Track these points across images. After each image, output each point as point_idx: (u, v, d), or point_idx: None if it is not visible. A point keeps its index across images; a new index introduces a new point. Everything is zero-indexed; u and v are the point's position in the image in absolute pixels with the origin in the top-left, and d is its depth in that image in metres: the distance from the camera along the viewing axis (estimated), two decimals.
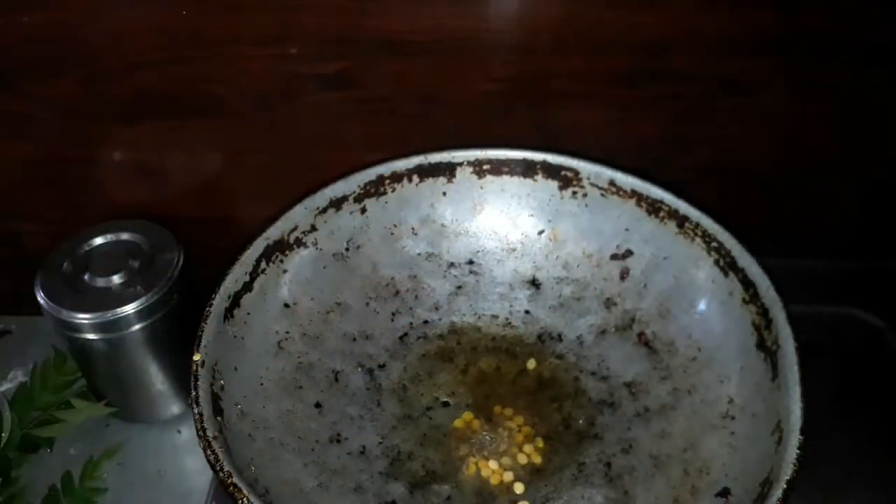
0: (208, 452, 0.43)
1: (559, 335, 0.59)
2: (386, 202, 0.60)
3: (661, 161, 0.64)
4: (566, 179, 0.59)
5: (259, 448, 0.48)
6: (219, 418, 0.46)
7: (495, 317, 0.60)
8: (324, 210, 0.58)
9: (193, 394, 0.46)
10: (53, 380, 0.64)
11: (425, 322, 0.60)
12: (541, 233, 0.61)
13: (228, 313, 0.51)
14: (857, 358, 0.64)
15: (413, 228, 0.61)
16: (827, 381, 0.52)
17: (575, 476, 0.51)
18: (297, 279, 0.56)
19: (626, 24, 0.59)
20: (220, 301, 0.51)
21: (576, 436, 0.53)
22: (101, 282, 0.59)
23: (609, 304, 0.59)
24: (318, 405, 0.54)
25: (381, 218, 0.60)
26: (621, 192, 0.58)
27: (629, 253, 0.59)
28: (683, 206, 0.56)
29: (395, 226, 0.61)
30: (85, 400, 0.63)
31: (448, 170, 0.60)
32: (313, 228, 0.58)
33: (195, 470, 0.61)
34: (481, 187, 0.61)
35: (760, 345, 0.50)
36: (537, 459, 0.52)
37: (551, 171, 0.60)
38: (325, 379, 0.55)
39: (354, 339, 0.58)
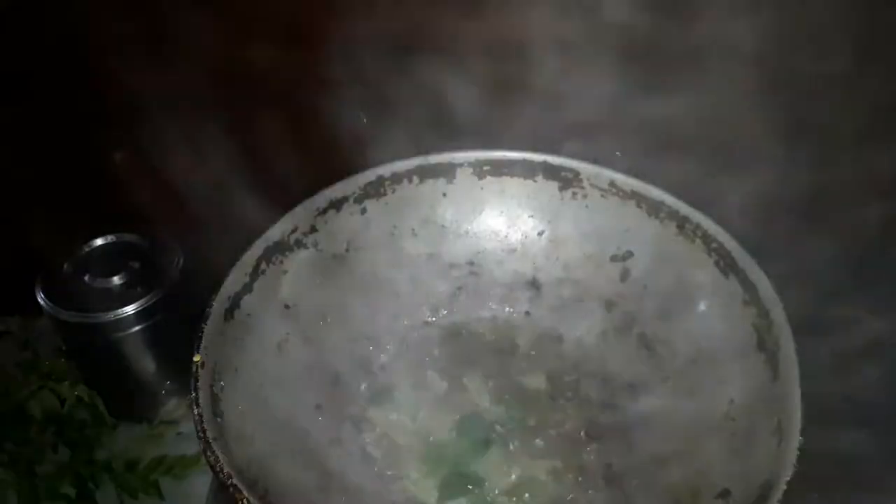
0: (208, 453, 0.43)
1: (559, 336, 0.59)
2: (386, 203, 0.60)
3: (662, 162, 0.64)
4: (566, 180, 0.59)
5: (259, 449, 0.48)
6: (219, 419, 0.46)
7: (495, 318, 0.60)
8: (324, 211, 0.58)
9: (193, 395, 0.46)
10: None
11: (426, 323, 0.60)
12: (541, 234, 0.61)
13: (228, 314, 0.51)
14: (858, 359, 0.64)
15: (413, 229, 0.61)
16: (827, 382, 0.52)
17: (575, 477, 0.51)
18: (297, 280, 0.56)
19: (626, 25, 0.59)
20: (220, 302, 0.51)
21: (576, 437, 0.53)
22: (101, 283, 0.59)
23: (609, 305, 0.59)
24: (318, 406, 0.53)
25: (382, 219, 0.60)
26: (621, 194, 0.58)
27: (629, 254, 0.59)
28: (684, 208, 0.56)
29: (395, 227, 0.61)
30: (83, 401, 0.63)
31: (448, 171, 0.60)
32: (313, 229, 0.58)
33: (195, 470, 0.61)
34: (481, 188, 0.61)
35: (760, 346, 0.50)
36: (537, 460, 0.52)
37: (551, 173, 0.60)
38: (325, 380, 0.55)
39: (355, 341, 0.58)
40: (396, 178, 0.60)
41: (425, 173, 0.60)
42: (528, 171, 0.60)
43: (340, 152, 0.63)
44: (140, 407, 0.64)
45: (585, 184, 0.59)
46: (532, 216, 0.61)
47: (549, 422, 0.54)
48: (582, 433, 0.53)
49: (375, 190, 0.59)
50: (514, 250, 0.62)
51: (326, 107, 0.64)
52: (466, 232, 0.62)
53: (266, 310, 0.54)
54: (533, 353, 0.58)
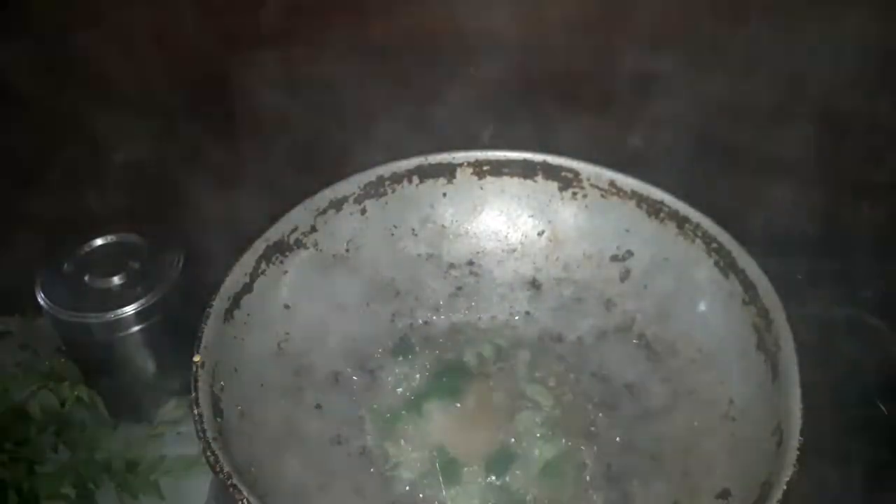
0: (208, 453, 0.43)
1: (559, 336, 0.59)
2: (386, 203, 0.60)
3: (661, 162, 0.65)
4: (566, 180, 0.59)
5: (259, 449, 0.48)
6: (219, 419, 0.46)
7: (495, 318, 0.60)
8: (324, 211, 0.58)
9: (193, 395, 0.46)
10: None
11: (426, 323, 0.60)
12: (541, 234, 0.61)
13: (228, 314, 0.51)
14: (858, 359, 0.64)
15: (413, 229, 0.61)
16: (827, 382, 0.52)
17: (575, 477, 0.51)
18: (297, 280, 0.56)
19: (627, 25, 0.59)
20: (220, 302, 0.51)
21: (576, 437, 0.53)
22: (101, 283, 0.59)
23: (609, 305, 0.59)
24: (318, 406, 0.54)
25: (382, 219, 0.60)
26: (621, 193, 0.58)
27: (629, 254, 0.59)
28: (683, 208, 0.56)
29: (395, 227, 0.61)
30: (83, 401, 0.63)
31: (448, 171, 0.60)
32: (313, 229, 0.58)
33: (195, 471, 0.61)
34: (481, 188, 0.61)
35: (760, 346, 0.50)
36: (537, 461, 0.52)
37: (551, 172, 0.60)
38: (325, 380, 0.55)
39: (355, 340, 0.58)
40: (396, 178, 0.60)
41: (425, 173, 0.60)
42: (528, 170, 0.60)
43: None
44: (140, 407, 0.64)
45: (585, 184, 0.59)
46: (532, 216, 0.61)
47: (549, 422, 0.54)
48: (582, 433, 0.53)
49: (375, 190, 0.59)
50: (514, 250, 0.62)
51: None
52: (466, 232, 0.62)
53: (266, 310, 0.54)
54: (533, 353, 0.58)
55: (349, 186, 0.59)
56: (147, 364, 0.61)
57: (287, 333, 0.55)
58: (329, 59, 0.61)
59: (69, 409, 0.63)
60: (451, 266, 0.62)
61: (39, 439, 0.62)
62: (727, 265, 0.53)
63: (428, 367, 0.57)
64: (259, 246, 0.54)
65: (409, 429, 0.54)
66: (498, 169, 0.60)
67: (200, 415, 0.45)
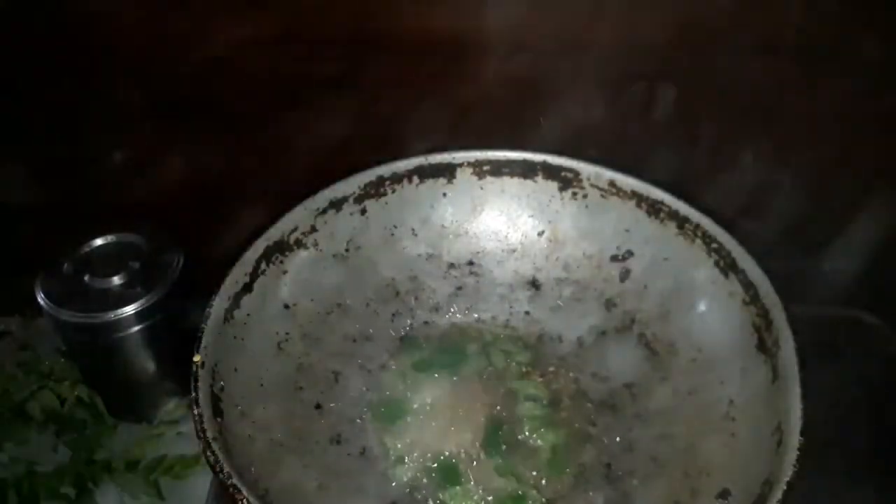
0: (208, 454, 0.43)
1: (559, 336, 0.59)
2: (386, 203, 0.60)
3: (661, 162, 0.65)
4: (566, 180, 0.59)
5: (259, 449, 0.48)
6: (219, 419, 0.46)
7: (495, 318, 0.60)
8: (324, 211, 0.58)
9: (193, 395, 0.46)
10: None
11: (425, 323, 0.60)
12: (541, 234, 0.61)
13: (228, 314, 0.51)
14: (858, 359, 0.64)
15: (413, 229, 0.61)
16: (827, 382, 0.52)
17: (575, 477, 0.51)
18: (297, 280, 0.56)
19: (626, 24, 0.59)
20: (220, 302, 0.51)
21: (576, 437, 0.53)
22: (101, 283, 0.59)
23: (609, 305, 0.59)
24: (318, 406, 0.54)
25: (382, 219, 0.60)
26: (621, 193, 0.58)
27: (629, 254, 0.59)
28: (683, 207, 0.56)
29: (395, 227, 0.61)
30: (83, 401, 0.63)
31: (448, 171, 0.60)
32: (313, 229, 0.58)
33: (195, 470, 0.61)
34: (481, 188, 0.61)
35: (760, 346, 0.50)
36: (537, 461, 0.52)
37: (551, 172, 0.60)
38: (325, 380, 0.55)
39: (354, 340, 0.58)
40: (396, 178, 0.60)
41: (425, 173, 0.60)
42: (528, 171, 0.60)
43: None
44: (140, 407, 0.64)
45: (585, 184, 0.59)
46: (532, 216, 0.61)
47: (548, 422, 0.54)
48: (582, 432, 0.53)
49: (375, 190, 0.59)
50: (514, 250, 0.62)
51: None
52: (466, 232, 0.62)
53: (266, 310, 0.54)
54: (533, 353, 0.58)
55: (349, 186, 0.59)
56: (147, 364, 0.62)
57: (287, 333, 0.55)
58: None
59: (69, 409, 0.63)
60: (451, 266, 0.62)
61: (39, 439, 0.62)
62: (727, 265, 0.53)
63: (428, 366, 0.57)
64: (259, 246, 0.54)
65: (408, 428, 0.54)
66: (498, 169, 0.60)
67: (200, 415, 0.45)
